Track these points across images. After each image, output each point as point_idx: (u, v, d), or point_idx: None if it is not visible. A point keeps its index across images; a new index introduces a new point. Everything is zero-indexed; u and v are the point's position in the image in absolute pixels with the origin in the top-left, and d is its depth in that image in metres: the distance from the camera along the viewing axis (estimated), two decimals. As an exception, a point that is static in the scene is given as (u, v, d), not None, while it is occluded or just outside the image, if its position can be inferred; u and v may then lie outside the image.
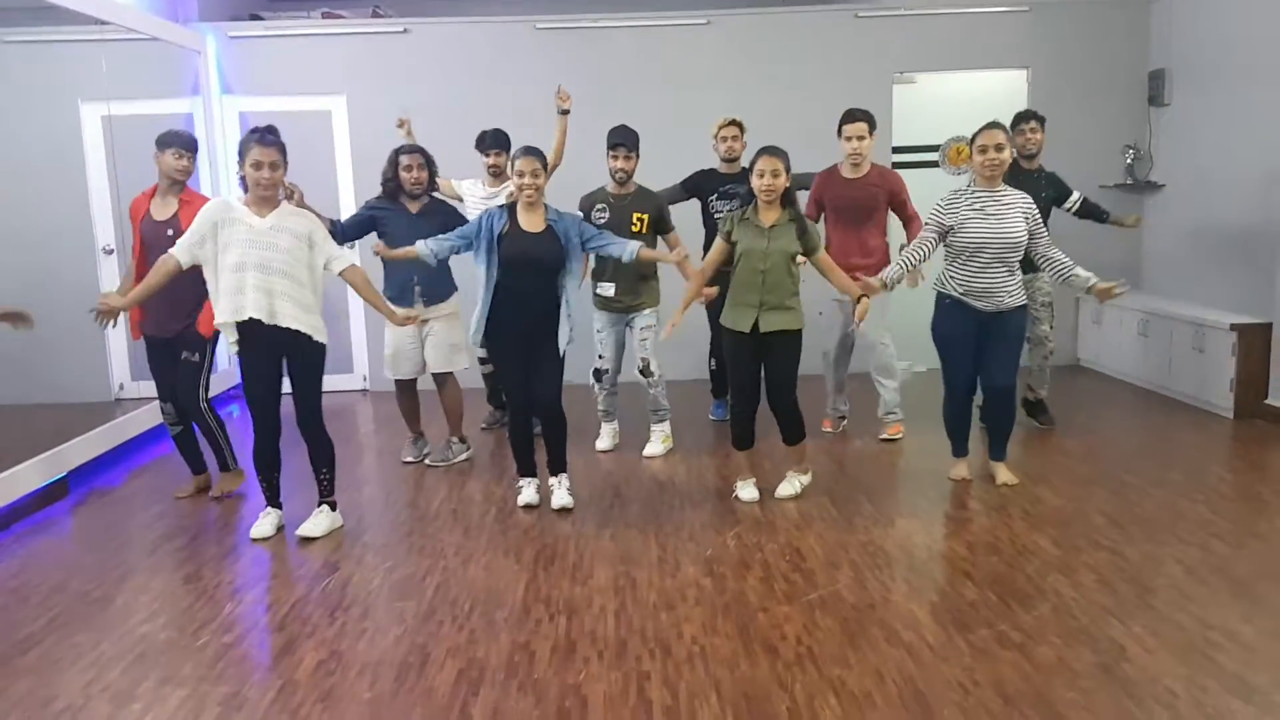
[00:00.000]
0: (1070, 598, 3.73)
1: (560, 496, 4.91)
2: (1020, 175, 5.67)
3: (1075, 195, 5.93)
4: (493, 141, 5.92)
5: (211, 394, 5.19)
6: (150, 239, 4.98)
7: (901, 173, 7.79)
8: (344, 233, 5.52)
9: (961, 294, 4.83)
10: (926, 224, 4.91)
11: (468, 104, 7.57)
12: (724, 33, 7.69)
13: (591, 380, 5.83)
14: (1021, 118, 5.91)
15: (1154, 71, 7.57)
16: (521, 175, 4.66)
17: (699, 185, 6.11)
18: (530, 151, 4.70)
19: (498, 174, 5.91)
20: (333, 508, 4.72)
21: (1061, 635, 3.43)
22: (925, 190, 7.82)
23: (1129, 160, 7.69)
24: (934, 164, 7.94)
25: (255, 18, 7.98)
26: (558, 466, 4.98)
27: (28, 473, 5.09)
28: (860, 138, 5.62)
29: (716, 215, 5.86)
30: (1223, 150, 6.79)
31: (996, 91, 7.89)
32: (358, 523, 4.82)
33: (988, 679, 3.14)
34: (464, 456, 5.78)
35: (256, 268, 4.27)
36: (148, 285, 4.38)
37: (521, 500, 4.93)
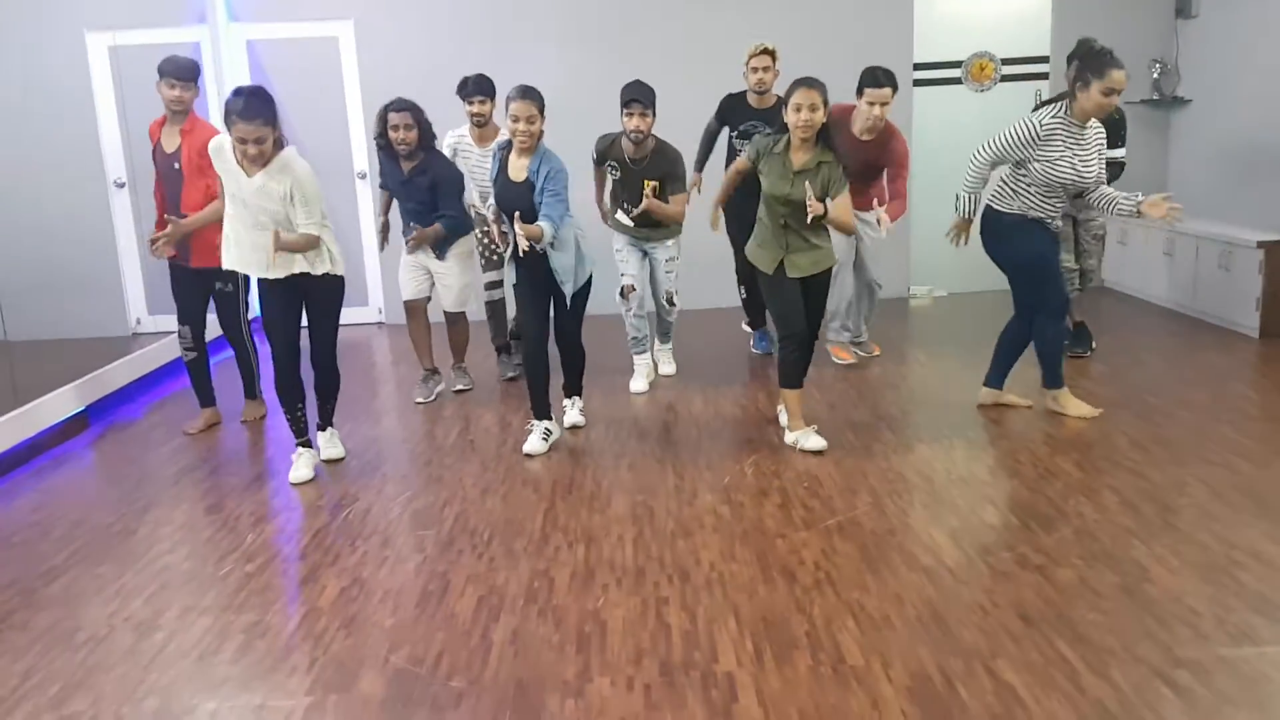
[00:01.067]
0: (1092, 519, 3.70)
1: (573, 415, 4.97)
2: None
3: (1119, 152, 5.44)
4: (474, 88, 5.49)
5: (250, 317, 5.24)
6: (162, 170, 4.98)
7: (923, 91, 7.67)
8: (382, 181, 5.54)
9: (1037, 215, 4.66)
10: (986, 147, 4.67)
11: (478, 29, 7.41)
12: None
13: (618, 299, 5.57)
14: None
15: (1183, -18, 7.33)
16: (516, 120, 4.41)
17: (725, 112, 5.91)
18: (526, 94, 4.43)
19: (482, 124, 5.55)
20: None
21: (1083, 557, 3.41)
22: (948, 109, 7.69)
23: (1155, 75, 7.48)
24: (957, 80, 7.78)
25: (259, -57, 7.79)
26: (573, 390, 5.01)
27: (47, 407, 5.11)
28: (884, 104, 5.26)
29: (740, 152, 5.67)
30: (1251, 64, 6.58)
31: (1020, 5, 7.66)
32: (376, 454, 4.82)
33: (1007, 601, 3.13)
34: (466, 385, 5.77)
35: (251, 226, 4.21)
36: (202, 218, 4.73)
37: (527, 447, 4.68)
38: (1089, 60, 4.42)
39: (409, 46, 7.38)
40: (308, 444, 4.59)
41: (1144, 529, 3.60)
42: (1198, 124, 7.28)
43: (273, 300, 4.38)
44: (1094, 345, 5.95)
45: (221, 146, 4.18)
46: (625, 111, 5.14)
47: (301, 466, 4.50)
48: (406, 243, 5.37)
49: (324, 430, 4.74)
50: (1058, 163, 4.48)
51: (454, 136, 5.64)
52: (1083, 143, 4.49)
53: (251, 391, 5.41)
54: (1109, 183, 5.27)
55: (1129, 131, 5.60)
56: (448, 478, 4.46)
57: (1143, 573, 3.27)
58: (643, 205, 5.12)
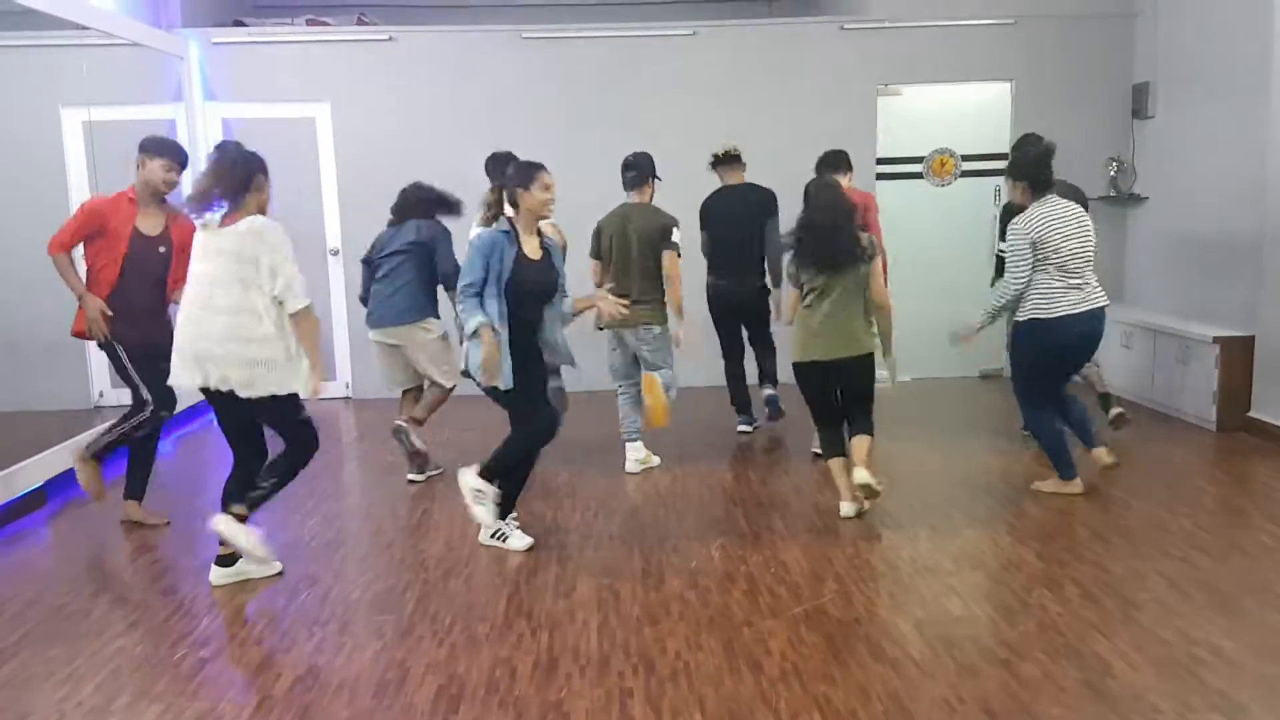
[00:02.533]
0: (1055, 612, 3.71)
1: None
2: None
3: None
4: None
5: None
6: (139, 253, 4.74)
7: (885, 184, 7.87)
8: None
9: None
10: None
11: (453, 113, 7.55)
12: (709, 43, 7.68)
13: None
14: None
15: (1138, 84, 7.61)
16: (549, 189, 4.39)
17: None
18: (542, 165, 4.47)
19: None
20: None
21: (1047, 651, 3.41)
22: (910, 201, 7.89)
23: (1113, 173, 7.72)
24: (919, 175, 8.00)
25: (239, 24, 7.93)
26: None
27: (4, 482, 5.02)
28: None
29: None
30: (1206, 163, 6.81)
31: (981, 103, 7.92)
32: (337, 533, 4.77)
33: (973, 696, 3.12)
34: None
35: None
36: None
37: (522, 545, 4.49)
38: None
39: (385, 128, 7.49)
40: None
41: (1106, 623, 3.62)
42: (1154, 220, 7.50)
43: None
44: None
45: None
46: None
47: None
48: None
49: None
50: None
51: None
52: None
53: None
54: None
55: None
56: (410, 558, 4.41)
57: (1106, 668, 3.28)
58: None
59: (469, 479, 4.42)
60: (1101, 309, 4.87)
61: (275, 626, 3.75)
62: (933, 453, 5.69)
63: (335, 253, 7.66)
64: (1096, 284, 4.88)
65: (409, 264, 5.38)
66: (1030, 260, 4.80)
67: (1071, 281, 4.80)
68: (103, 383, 6.91)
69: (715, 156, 6.11)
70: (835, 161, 5.67)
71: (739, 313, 6.17)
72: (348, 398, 7.86)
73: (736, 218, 6.00)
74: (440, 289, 5.50)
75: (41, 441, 5.49)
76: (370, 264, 5.52)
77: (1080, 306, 4.80)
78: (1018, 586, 3.96)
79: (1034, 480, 5.20)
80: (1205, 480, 5.38)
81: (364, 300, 5.58)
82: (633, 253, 5.46)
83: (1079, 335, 4.87)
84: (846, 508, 4.77)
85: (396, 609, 3.88)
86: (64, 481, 5.54)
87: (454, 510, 5.02)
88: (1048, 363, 4.97)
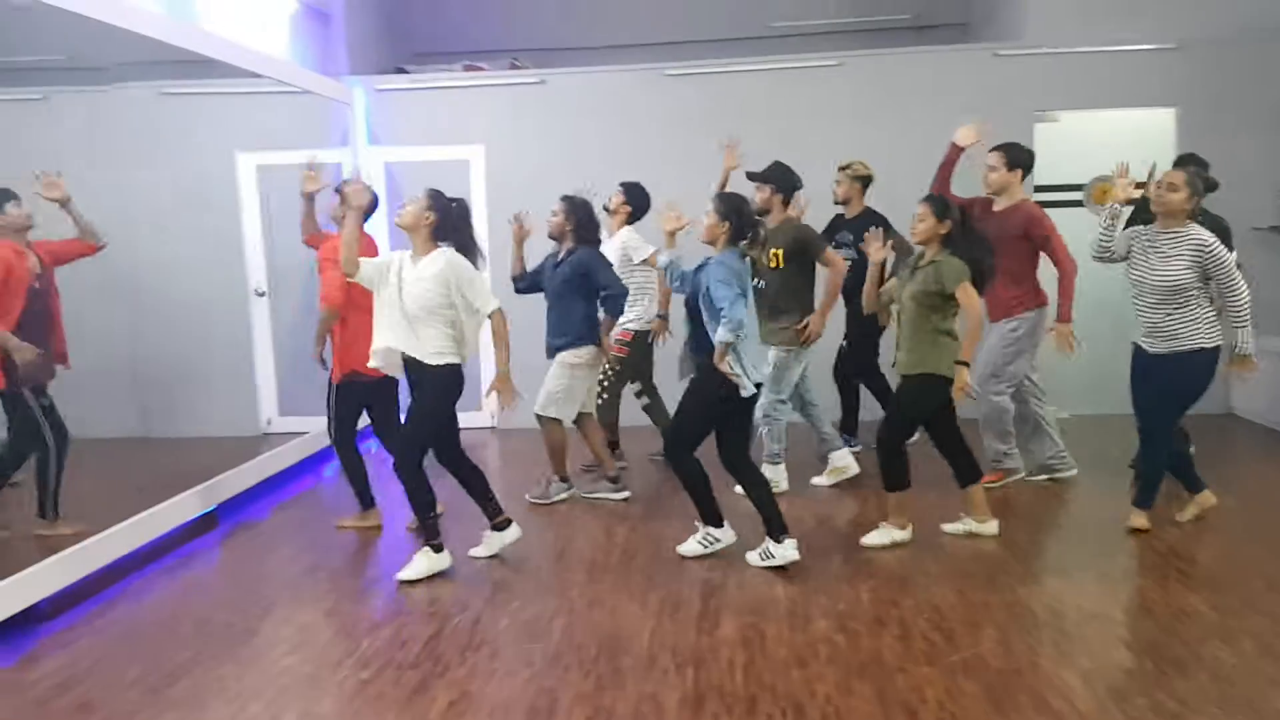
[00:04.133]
0: (1230, 665, 3.48)
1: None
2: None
3: None
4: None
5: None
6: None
7: (1047, 212, 7.58)
8: None
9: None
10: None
11: (601, 151, 7.69)
12: (857, 74, 7.61)
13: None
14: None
15: (1311, 107, 7.16)
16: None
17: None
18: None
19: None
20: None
21: (1221, 705, 3.20)
22: (1070, 230, 7.56)
23: (1287, 201, 7.27)
24: (1079, 203, 7.70)
25: (401, 70, 8.30)
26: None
27: (180, 506, 5.33)
28: (991, 168, 5.55)
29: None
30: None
31: (1143, 129, 7.57)
32: (487, 560, 4.86)
33: (1144, 754, 2.95)
34: (563, 496, 5.79)
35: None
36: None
37: (790, 556, 4.57)
38: None
39: (535, 169, 7.69)
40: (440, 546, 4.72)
41: (1292, 681, 3.37)
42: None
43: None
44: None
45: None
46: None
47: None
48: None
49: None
50: (1132, 261, 4.79)
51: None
52: (1169, 246, 4.64)
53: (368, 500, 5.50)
54: None
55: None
56: (555, 587, 4.46)
57: (1293, 730, 3.05)
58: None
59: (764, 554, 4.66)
60: None
61: (430, 651, 3.84)
62: (1097, 495, 5.44)
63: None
64: None
65: (565, 290, 5.67)
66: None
67: None
68: (271, 410, 7.29)
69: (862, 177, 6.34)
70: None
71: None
72: (493, 427, 8.04)
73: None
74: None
75: (214, 467, 5.80)
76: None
77: None
78: (1190, 637, 3.73)
79: (1202, 525, 4.91)
80: (1403, 530, 4.97)
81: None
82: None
83: None
84: None
85: (544, 637, 3.93)
86: (233, 505, 5.85)
87: (595, 538, 5.07)
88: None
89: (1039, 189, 7.53)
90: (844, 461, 5.89)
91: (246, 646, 3.97)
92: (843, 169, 6.30)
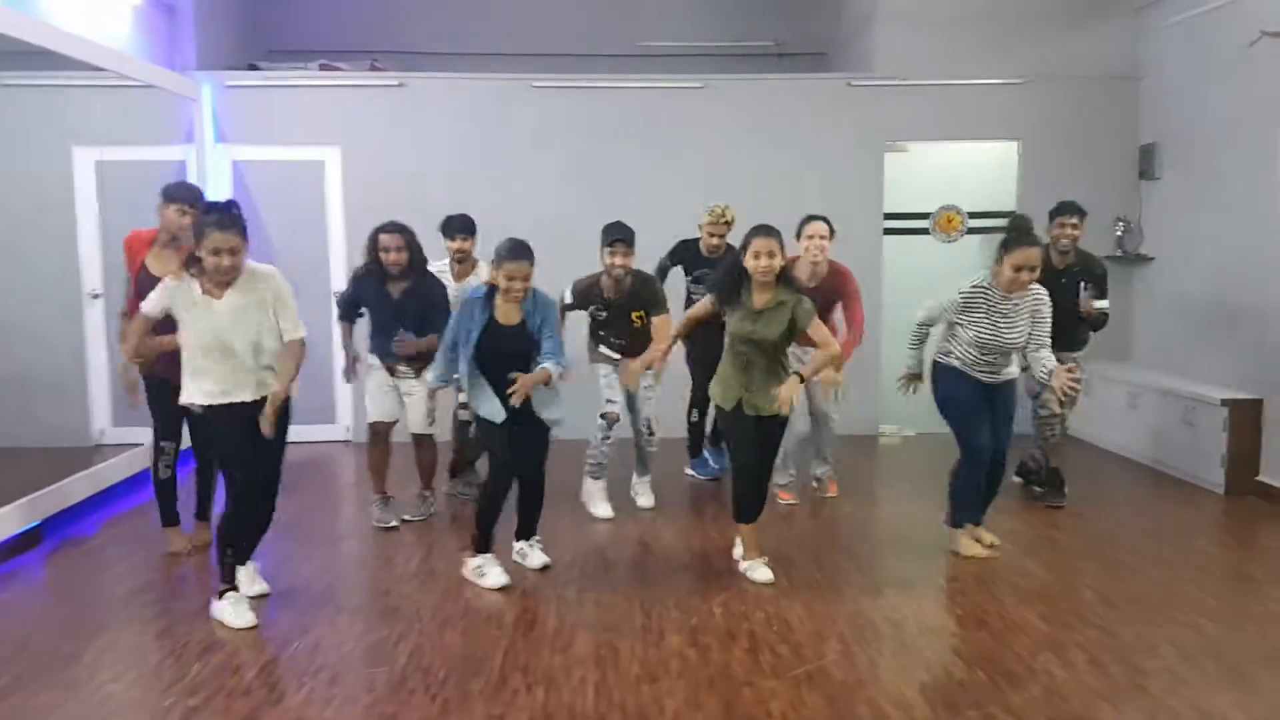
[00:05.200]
0: (1061, 679, 3.64)
1: (539, 556, 4.83)
2: (1047, 273, 5.14)
3: (1104, 304, 5.70)
4: (459, 226, 5.65)
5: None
6: (145, 290, 4.67)
7: (892, 239, 7.90)
8: (343, 313, 5.57)
9: (964, 366, 4.87)
10: (928, 309, 5.01)
11: (462, 160, 7.59)
12: (719, 97, 7.74)
13: (601, 424, 5.59)
14: (1062, 210, 5.75)
15: (1144, 146, 7.64)
16: (512, 279, 4.44)
17: (679, 255, 6.26)
18: (520, 254, 4.46)
19: (462, 260, 5.69)
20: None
21: (1052, 718, 3.34)
22: (915, 258, 7.89)
23: (1120, 233, 7.73)
24: (925, 231, 8.02)
25: (253, 68, 8.01)
26: (531, 531, 4.88)
27: (0, 520, 4.97)
28: (821, 236, 5.52)
29: (694, 296, 5.92)
30: (1212, 225, 6.82)
31: (987, 162, 7.96)
32: (331, 582, 4.70)
33: (977, 764, 3.04)
34: (432, 510, 5.69)
35: (221, 356, 4.11)
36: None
37: (493, 583, 4.54)
38: (1008, 236, 4.77)
39: (394, 174, 7.52)
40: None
41: (1114, 691, 3.54)
42: (1161, 281, 7.49)
43: (239, 426, 4.16)
44: (1065, 495, 5.95)
45: (180, 284, 4.10)
46: (609, 250, 5.31)
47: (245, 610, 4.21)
48: (392, 350, 5.37)
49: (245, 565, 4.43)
50: (979, 325, 4.77)
51: (435, 266, 5.67)
52: (1007, 310, 4.75)
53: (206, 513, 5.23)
54: (1095, 329, 5.69)
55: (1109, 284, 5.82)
56: (404, 609, 4.34)
57: (1113, 737, 3.21)
58: (664, 349, 5.11)
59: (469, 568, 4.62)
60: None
61: (265, 677, 3.68)
62: (936, 509, 5.63)
63: (338, 294, 7.65)
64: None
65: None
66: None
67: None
68: (104, 421, 6.89)
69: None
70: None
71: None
72: (347, 441, 7.82)
73: None
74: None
75: (40, 479, 5.44)
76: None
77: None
78: (1022, 650, 3.89)
79: (1037, 540, 5.15)
80: (1213, 545, 5.32)
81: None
82: None
83: None
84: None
85: (389, 661, 3.81)
86: (60, 521, 5.50)
87: (451, 559, 4.96)
88: None
89: (887, 216, 7.82)
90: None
91: (69, 671, 3.72)
92: (725, 222, 6.10)
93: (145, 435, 6.39)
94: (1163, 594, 4.50)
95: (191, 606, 4.36)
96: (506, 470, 4.63)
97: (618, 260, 5.30)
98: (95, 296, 6.78)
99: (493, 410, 4.51)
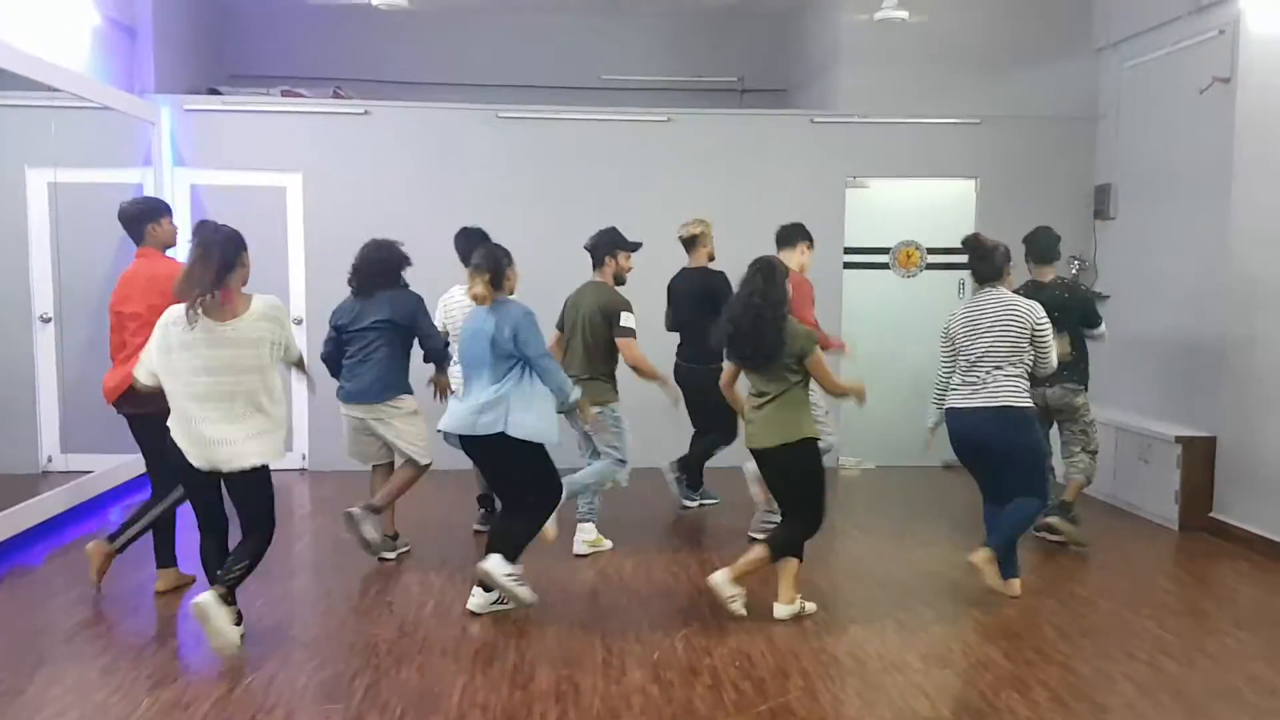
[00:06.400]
0: (1024, 716, 3.64)
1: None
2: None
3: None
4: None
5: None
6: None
7: (852, 274, 7.97)
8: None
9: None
10: None
11: (426, 189, 7.55)
12: (683, 131, 7.79)
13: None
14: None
15: (1100, 186, 7.79)
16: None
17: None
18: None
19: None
20: None
21: (1016, 755, 3.34)
22: (875, 292, 7.97)
23: (1075, 270, 7.84)
24: (885, 265, 8.10)
25: (214, 92, 7.93)
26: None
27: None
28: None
29: None
30: (1166, 264, 6.95)
31: (946, 199, 8.06)
32: (286, 615, 4.60)
33: (942, 802, 3.03)
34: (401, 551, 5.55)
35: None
36: None
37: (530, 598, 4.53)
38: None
39: (357, 201, 7.47)
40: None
41: (1076, 727, 3.55)
42: (1115, 319, 7.55)
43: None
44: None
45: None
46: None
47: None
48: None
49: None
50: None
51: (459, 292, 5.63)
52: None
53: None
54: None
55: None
56: (361, 644, 4.25)
57: (1077, 775, 3.21)
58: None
59: (499, 570, 4.43)
60: (988, 408, 4.80)
61: (218, 713, 3.58)
62: (898, 543, 5.66)
63: (299, 322, 7.56)
64: (996, 382, 4.81)
65: (382, 340, 5.25)
66: (944, 351, 5.00)
67: (966, 377, 4.88)
68: (52, 447, 6.73)
69: (681, 239, 6.27)
70: (786, 237, 5.87)
71: (694, 391, 6.10)
72: (303, 469, 7.69)
73: (687, 297, 6.20)
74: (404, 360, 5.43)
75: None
76: (341, 333, 5.38)
77: (966, 403, 4.86)
78: (985, 687, 3.89)
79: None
80: (1168, 580, 5.37)
81: (334, 372, 5.43)
82: (578, 330, 5.48)
83: (965, 429, 4.88)
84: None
85: (345, 697, 3.72)
86: (5, 550, 5.34)
87: (409, 592, 4.88)
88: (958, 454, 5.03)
89: (848, 250, 7.90)
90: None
91: (10, 708, 3.59)
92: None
93: (93, 463, 6.31)
94: (1120, 630, 4.53)
95: (141, 641, 4.24)
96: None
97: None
98: (46, 320, 6.65)
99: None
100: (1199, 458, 6.16)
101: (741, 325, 4.47)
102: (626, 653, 4.16)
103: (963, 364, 4.89)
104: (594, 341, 5.44)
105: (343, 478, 7.19)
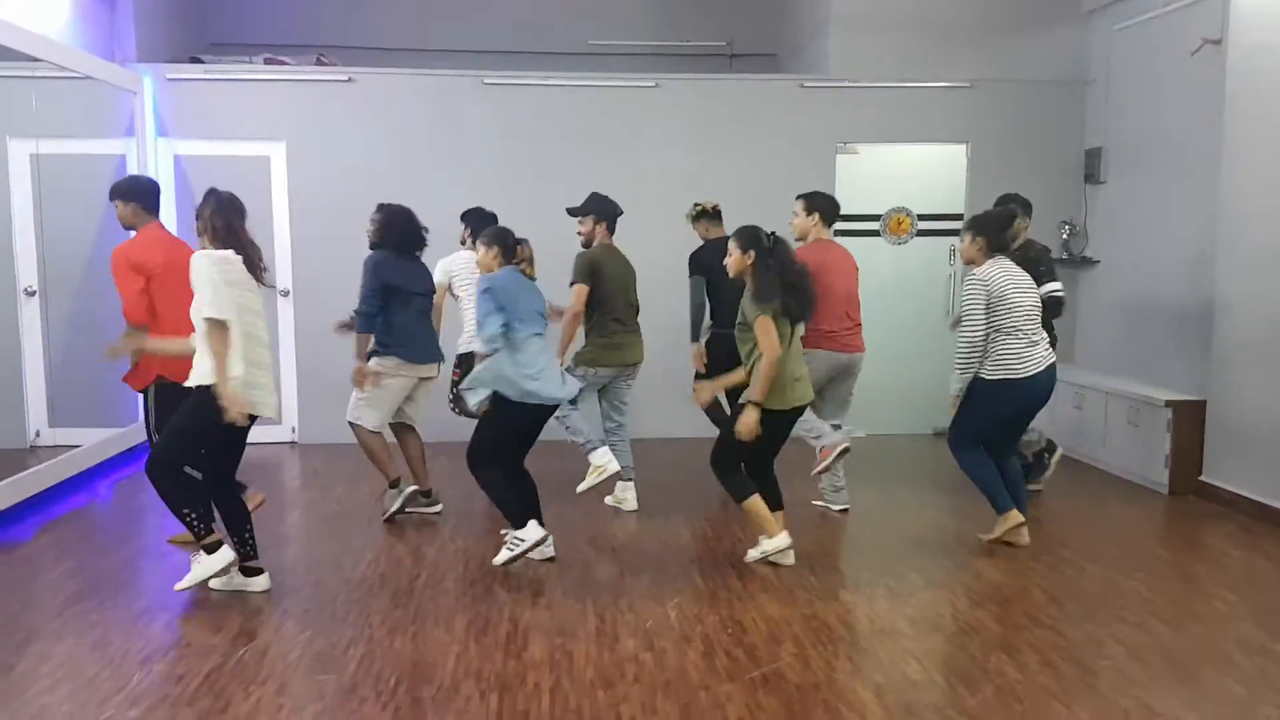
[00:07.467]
0: (1014, 679, 3.66)
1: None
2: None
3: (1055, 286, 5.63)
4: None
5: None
6: None
7: (843, 241, 7.91)
8: None
9: None
10: None
11: (411, 157, 7.48)
12: (672, 96, 7.72)
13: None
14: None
15: (1090, 150, 7.76)
16: None
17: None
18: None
19: None
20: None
21: (1007, 718, 3.35)
22: (866, 259, 7.91)
23: (1065, 235, 7.84)
24: (875, 233, 8.06)
25: (196, 60, 7.82)
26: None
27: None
28: (794, 213, 5.73)
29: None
30: (1156, 229, 6.94)
31: (937, 164, 8.02)
32: (279, 586, 4.58)
33: (934, 766, 3.04)
34: (399, 503, 5.59)
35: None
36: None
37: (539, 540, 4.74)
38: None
39: (342, 170, 7.40)
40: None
41: (1065, 691, 3.57)
42: (1106, 284, 7.61)
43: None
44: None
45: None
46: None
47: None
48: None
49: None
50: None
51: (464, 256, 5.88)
52: None
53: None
54: (1054, 316, 5.57)
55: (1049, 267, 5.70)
56: (354, 614, 4.25)
57: (1067, 738, 3.23)
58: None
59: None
60: (1054, 364, 5.10)
61: (210, 686, 3.57)
62: (887, 510, 5.66)
63: (285, 293, 7.51)
64: (1045, 341, 5.09)
65: (429, 303, 5.64)
66: (986, 318, 4.92)
67: (1033, 338, 4.96)
68: (40, 421, 6.68)
69: (701, 209, 6.17)
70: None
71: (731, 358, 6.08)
72: (294, 442, 7.67)
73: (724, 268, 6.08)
74: None
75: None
76: (401, 293, 5.42)
77: (1045, 363, 5.00)
78: (975, 651, 3.91)
79: (980, 544, 5.19)
80: (1159, 544, 5.40)
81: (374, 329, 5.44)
82: (631, 290, 5.78)
83: (1045, 391, 5.07)
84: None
85: (338, 668, 3.72)
86: (-8, 526, 5.32)
87: (402, 562, 4.88)
88: (1012, 419, 5.16)
89: (839, 218, 7.82)
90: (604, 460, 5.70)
91: (1, 683, 3.58)
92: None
93: (82, 436, 6.27)
94: (1110, 593, 4.56)
95: (131, 614, 4.23)
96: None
97: None
98: (31, 293, 6.58)
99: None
100: (1189, 421, 6.18)
101: (800, 284, 4.71)
102: (619, 621, 4.17)
103: (1020, 322, 4.95)
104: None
105: (332, 450, 7.19)
